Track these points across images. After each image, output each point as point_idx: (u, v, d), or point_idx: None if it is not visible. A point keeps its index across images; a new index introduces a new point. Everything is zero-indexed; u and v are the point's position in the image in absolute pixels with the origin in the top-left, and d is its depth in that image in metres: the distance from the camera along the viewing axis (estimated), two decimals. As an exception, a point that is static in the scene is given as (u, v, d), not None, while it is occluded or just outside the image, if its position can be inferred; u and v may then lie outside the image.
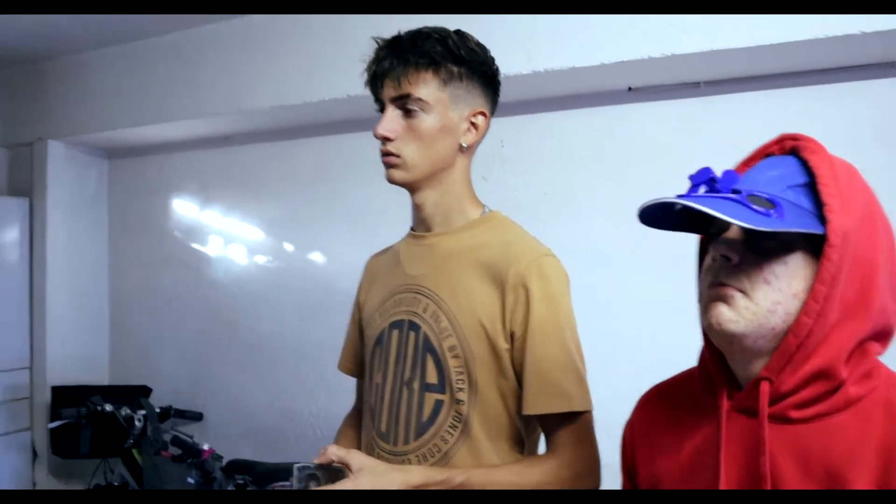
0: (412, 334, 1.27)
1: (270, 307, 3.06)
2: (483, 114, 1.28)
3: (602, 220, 2.34)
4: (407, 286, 1.31)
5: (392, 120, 1.23)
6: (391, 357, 1.30)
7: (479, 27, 2.20)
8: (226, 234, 3.23)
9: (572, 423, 1.19)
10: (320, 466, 1.13)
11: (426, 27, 1.25)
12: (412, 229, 1.39)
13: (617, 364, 2.02)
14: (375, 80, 1.25)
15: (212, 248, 3.27)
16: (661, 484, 0.93)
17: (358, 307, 1.51)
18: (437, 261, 1.29)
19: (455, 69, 1.22)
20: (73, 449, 2.90)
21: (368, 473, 1.09)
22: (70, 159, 3.46)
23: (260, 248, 3.12)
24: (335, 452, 1.12)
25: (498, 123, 2.46)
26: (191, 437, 2.74)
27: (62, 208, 3.42)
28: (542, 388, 1.18)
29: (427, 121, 1.22)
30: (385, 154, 1.25)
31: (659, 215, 0.91)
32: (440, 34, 1.23)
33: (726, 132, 2.16)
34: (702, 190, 0.86)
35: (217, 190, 3.26)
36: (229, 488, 2.61)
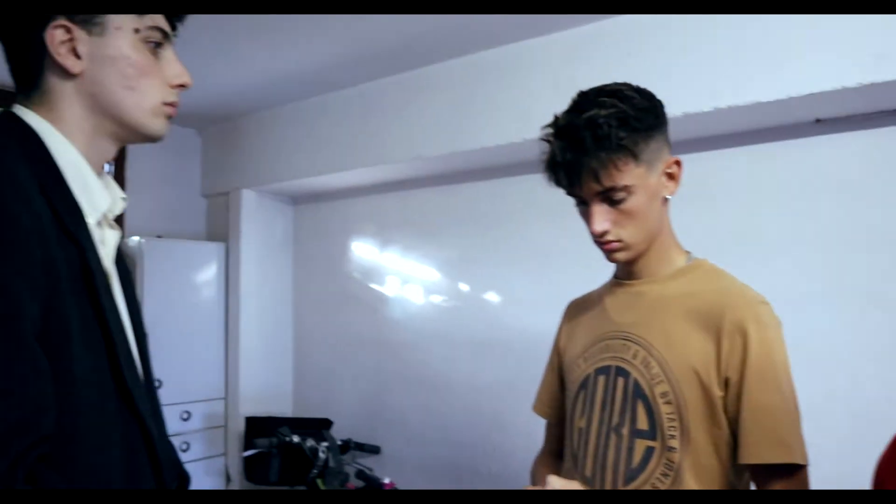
0: (620, 380, 1.27)
1: (446, 345, 3.15)
2: (676, 162, 1.27)
3: (791, 260, 2.24)
4: (615, 333, 1.32)
5: (602, 214, 1.22)
6: (597, 402, 1.30)
7: (661, 65, 2.23)
8: (403, 275, 3.37)
9: (789, 477, 1.15)
10: None
11: (591, 107, 1.20)
12: (615, 276, 1.40)
13: (811, 412, 1.91)
14: (566, 180, 1.24)
15: (389, 288, 3.42)
16: None
17: (557, 352, 1.52)
18: (647, 308, 1.29)
19: (641, 140, 1.19)
20: (264, 476, 3.10)
21: None
22: (261, 206, 3.77)
23: (436, 287, 3.23)
24: (556, 484, 1.12)
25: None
26: (371, 470, 2.85)
27: (253, 251, 3.72)
28: (762, 436, 1.14)
29: (636, 200, 1.21)
30: (606, 243, 1.26)
31: None
32: (615, 115, 1.18)
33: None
34: None
35: (394, 232, 3.42)
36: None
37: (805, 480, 1.16)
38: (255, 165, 3.64)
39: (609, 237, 1.24)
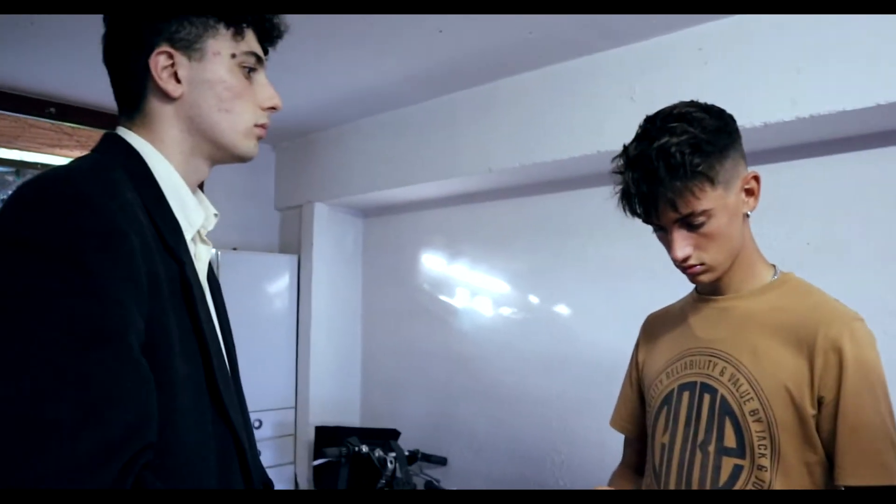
0: (707, 396, 1.24)
1: (514, 357, 3.13)
2: (754, 177, 1.24)
3: (878, 272, 2.15)
4: (700, 349, 1.29)
5: (683, 240, 1.20)
6: (681, 418, 1.28)
7: (740, 76, 2.18)
8: (472, 287, 3.37)
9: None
10: None
11: (661, 135, 1.18)
12: (697, 291, 1.38)
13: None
14: (643, 211, 1.22)
15: (458, 300, 3.43)
16: None
17: (636, 366, 1.50)
18: (734, 324, 1.26)
19: (715, 162, 1.16)
20: (332, 485, 3.13)
21: None
22: (332, 219, 3.84)
23: (505, 300, 3.22)
24: None
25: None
26: (437, 481, 2.85)
27: (324, 263, 3.79)
28: (860, 457, 1.11)
29: (716, 223, 1.19)
30: (689, 267, 1.23)
31: None
32: (683, 139, 1.15)
33: None
34: None
35: (464, 244, 3.43)
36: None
37: None
38: (326, 179, 3.71)
39: (692, 262, 1.22)
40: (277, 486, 3.64)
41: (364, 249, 3.98)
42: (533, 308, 3.11)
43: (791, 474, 1.15)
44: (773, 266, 1.31)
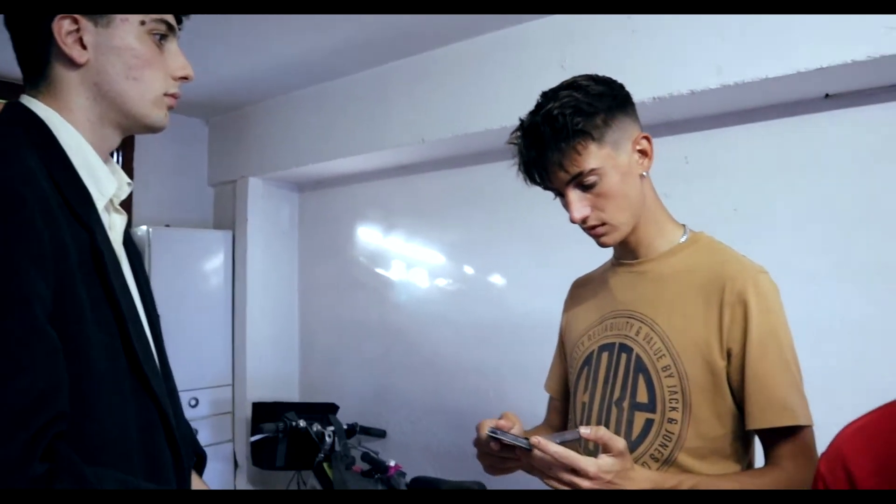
0: (623, 356, 1.29)
1: (451, 328, 3.14)
2: (645, 138, 1.28)
3: (799, 236, 2.22)
4: (618, 311, 1.34)
5: (579, 201, 1.25)
6: (599, 378, 1.32)
7: (664, 45, 2.20)
8: (408, 259, 3.36)
9: (796, 438, 1.17)
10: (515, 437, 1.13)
11: (548, 102, 1.24)
12: (615, 256, 1.42)
13: (818, 390, 1.89)
14: (537, 176, 1.27)
15: (394, 273, 3.42)
16: None
17: (561, 332, 1.55)
18: (650, 286, 1.31)
19: (600, 122, 1.21)
20: (271, 461, 3.11)
21: (623, 456, 1.09)
22: (266, 194, 3.78)
23: (441, 271, 3.23)
24: (603, 435, 1.09)
25: (681, 139, 2.45)
26: (376, 454, 2.85)
27: (259, 238, 3.73)
28: (767, 402, 1.17)
29: (608, 182, 1.23)
30: (591, 229, 1.27)
31: None
32: (568, 104, 1.21)
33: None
34: None
35: (399, 217, 3.41)
36: (414, 504, 2.68)
37: (810, 440, 1.18)
38: (260, 154, 3.64)
39: (591, 222, 1.26)
40: (216, 465, 3.61)
41: (300, 224, 3.93)
42: (468, 279, 3.12)
43: (702, 425, 1.20)
44: (683, 226, 1.35)
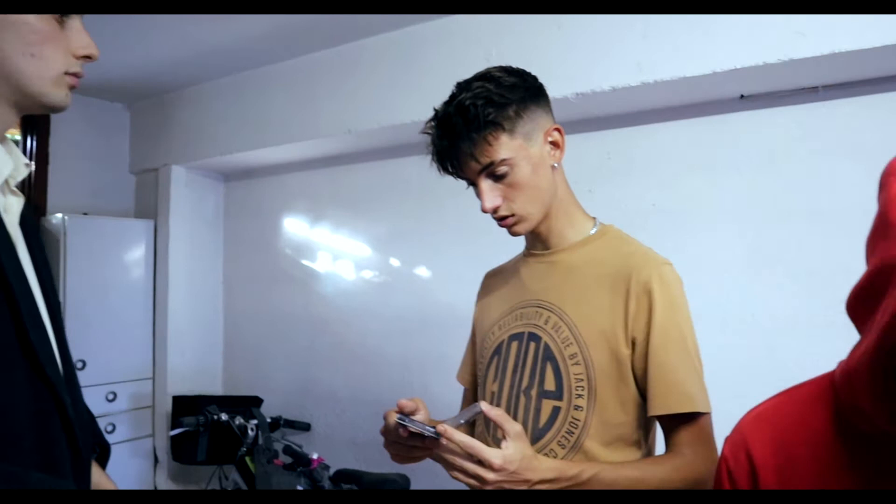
0: (532, 345, 1.31)
1: (376, 320, 3.13)
2: (556, 129, 1.30)
3: (714, 232, 2.29)
4: (528, 301, 1.36)
5: (490, 191, 1.25)
6: (509, 367, 1.34)
7: (588, 42, 2.24)
8: (334, 251, 3.33)
9: (694, 424, 1.20)
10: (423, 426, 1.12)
11: (461, 93, 1.24)
12: (527, 247, 1.44)
13: (729, 379, 1.96)
14: (450, 166, 1.28)
15: (320, 265, 3.38)
16: None
17: (473, 323, 1.56)
18: (559, 276, 1.33)
19: (512, 113, 1.23)
20: (191, 455, 3.04)
21: (522, 442, 1.10)
22: (190, 183, 3.68)
23: (367, 263, 3.21)
24: (499, 415, 1.11)
25: (604, 136, 2.50)
26: (300, 447, 2.82)
27: (183, 228, 3.63)
28: (667, 389, 1.20)
29: (519, 172, 1.24)
30: (501, 219, 1.28)
31: None
32: (481, 95, 1.22)
33: (848, 137, 2.08)
34: None
35: (326, 208, 3.38)
36: (337, 497, 2.67)
37: (708, 427, 1.22)
38: (185, 141, 3.55)
39: (502, 212, 1.27)
40: (135, 460, 3.51)
41: (225, 214, 3.84)
42: (394, 271, 3.11)
43: (606, 412, 1.23)
44: (594, 219, 1.38)
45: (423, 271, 3.01)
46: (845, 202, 2.05)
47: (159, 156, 3.67)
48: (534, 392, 1.28)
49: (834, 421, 0.88)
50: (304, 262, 3.44)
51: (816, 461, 0.88)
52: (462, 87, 1.26)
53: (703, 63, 2.08)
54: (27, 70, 0.99)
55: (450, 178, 2.44)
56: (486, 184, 1.25)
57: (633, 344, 1.22)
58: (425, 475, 2.89)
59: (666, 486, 1.15)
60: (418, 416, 1.20)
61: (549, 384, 1.26)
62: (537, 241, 1.38)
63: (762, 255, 2.21)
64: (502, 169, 1.23)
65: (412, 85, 2.67)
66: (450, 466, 1.11)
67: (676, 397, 1.19)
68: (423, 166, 2.92)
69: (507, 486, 1.08)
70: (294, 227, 3.51)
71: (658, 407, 1.20)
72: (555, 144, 1.30)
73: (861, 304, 0.77)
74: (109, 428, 3.33)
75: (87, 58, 1.06)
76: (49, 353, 1.00)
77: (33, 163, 0.91)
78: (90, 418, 1.19)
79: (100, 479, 1.22)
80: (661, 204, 2.39)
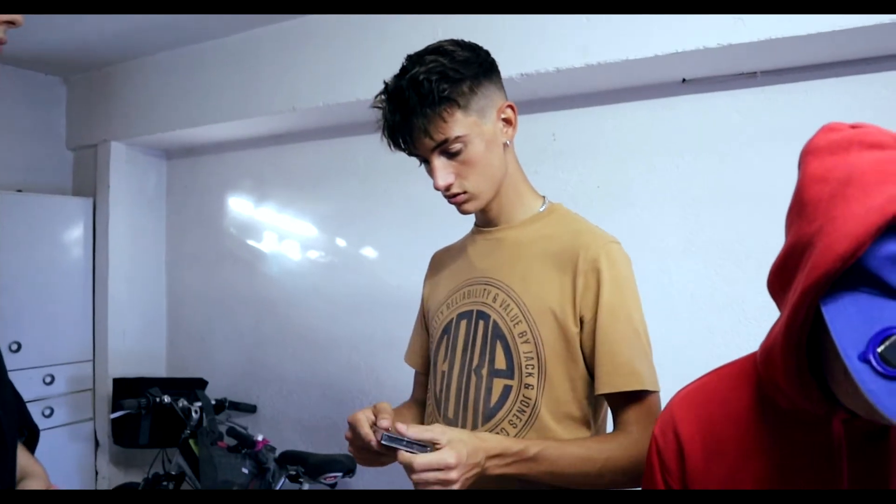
0: (481, 323, 1.30)
1: (323, 301, 3.11)
2: (509, 106, 1.28)
3: (655, 214, 2.32)
4: (476, 279, 1.34)
5: (443, 168, 1.23)
6: (458, 346, 1.32)
7: (533, 22, 2.24)
8: (280, 231, 3.29)
9: (642, 403, 1.21)
10: (410, 442, 1.08)
11: (413, 66, 1.21)
12: (476, 224, 1.42)
13: (670, 359, 2.00)
14: (402, 141, 1.25)
15: (266, 245, 3.34)
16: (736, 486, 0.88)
17: (423, 302, 1.54)
18: (507, 253, 1.32)
19: (465, 89, 1.20)
20: (134, 439, 2.99)
21: (460, 443, 1.07)
22: (131, 160, 3.58)
23: (313, 243, 3.18)
24: (418, 435, 1.08)
25: (549, 117, 2.50)
26: (245, 429, 2.80)
27: (123, 207, 3.54)
28: (615, 367, 1.19)
29: (473, 150, 1.22)
30: (452, 196, 1.26)
31: None
32: (434, 69, 1.19)
33: (785, 122, 2.13)
34: None
35: (271, 187, 3.33)
36: (282, 479, 2.66)
37: (656, 405, 1.22)
38: (125, 117, 3.44)
39: (454, 189, 1.25)
40: (76, 444, 3.44)
41: (168, 193, 3.75)
42: (340, 251, 3.09)
43: (556, 390, 1.23)
44: (543, 197, 1.38)
45: (369, 252, 2.99)
46: (783, 186, 2.07)
47: (98, 131, 3.56)
48: (484, 371, 1.27)
49: (756, 398, 0.91)
50: (250, 241, 3.39)
51: (739, 438, 0.90)
52: (414, 60, 1.23)
53: (646, 47, 2.09)
54: None
55: (395, 158, 2.43)
56: (439, 161, 1.23)
57: (582, 322, 1.22)
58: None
59: (612, 463, 1.15)
60: (384, 423, 1.15)
61: (500, 363, 1.26)
62: (486, 218, 1.37)
63: (702, 237, 2.25)
64: (456, 146, 1.21)
65: (358, 63, 2.64)
66: (417, 483, 1.07)
67: (624, 376, 1.19)
68: (369, 145, 2.93)
69: (468, 476, 1.07)
70: (239, 206, 3.45)
71: (605, 385, 1.20)
72: (507, 121, 1.28)
73: (778, 282, 0.79)
74: (47, 412, 3.25)
75: (10, 24, 1.01)
76: None
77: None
78: (16, 400, 1.15)
79: (27, 462, 1.19)
80: (604, 186, 2.42)
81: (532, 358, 1.23)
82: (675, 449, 0.95)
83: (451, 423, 1.30)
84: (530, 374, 1.23)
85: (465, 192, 1.26)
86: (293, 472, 2.67)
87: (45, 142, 3.68)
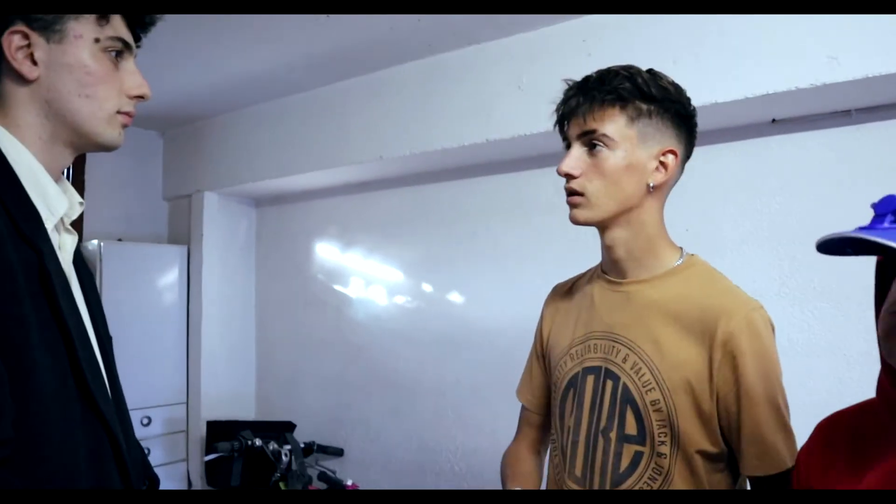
0: (609, 382, 1.24)
1: (409, 346, 3.14)
2: (673, 153, 1.23)
3: (747, 257, 2.28)
4: (602, 332, 1.28)
5: (576, 157, 1.21)
6: (585, 402, 1.27)
7: (621, 61, 2.25)
8: (366, 276, 3.36)
9: (781, 478, 1.16)
10: None
11: (621, 65, 1.24)
12: (603, 270, 1.35)
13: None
14: (563, 119, 1.25)
15: (353, 290, 3.41)
16: None
17: (541, 340, 1.48)
18: (636, 311, 1.25)
19: (644, 106, 1.19)
20: (226, 480, 3.06)
21: None
22: (223, 209, 3.73)
23: (399, 288, 3.23)
24: None
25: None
26: (333, 472, 2.84)
27: (216, 254, 3.68)
28: (762, 450, 1.15)
29: (612, 157, 1.19)
30: (569, 193, 1.23)
31: (837, 244, 0.85)
32: (630, 72, 1.21)
33: (882, 161, 2.07)
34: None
35: (358, 233, 3.41)
36: (371, 523, 2.67)
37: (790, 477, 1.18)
38: (217, 168, 3.60)
39: (574, 185, 1.22)
40: (170, 485, 3.54)
41: (257, 239, 3.89)
42: (426, 296, 3.12)
43: (692, 461, 1.18)
44: (680, 249, 1.30)
45: (455, 297, 3.02)
46: (882, 226, 2.03)
47: (192, 182, 3.73)
48: (613, 434, 1.22)
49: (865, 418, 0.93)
50: (336, 287, 3.47)
51: (852, 453, 0.93)
52: (623, 65, 1.25)
53: (735, 89, 2.08)
54: (82, 110, 1.02)
55: (481, 202, 2.41)
56: (577, 150, 1.22)
57: (718, 396, 1.16)
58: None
59: None
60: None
61: (630, 428, 1.21)
62: (615, 266, 1.30)
63: (797, 280, 2.19)
64: (598, 142, 1.19)
65: (442, 112, 2.70)
66: None
67: (771, 459, 1.15)
68: (454, 191, 2.98)
69: None
70: (325, 252, 3.54)
71: (753, 468, 1.16)
72: (663, 165, 1.23)
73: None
74: (145, 452, 3.36)
75: (140, 97, 1.09)
76: (102, 391, 1.02)
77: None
78: (140, 453, 1.21)
79: None
80: (693, 229, 2.38)
81: (665, 426, 1.17)
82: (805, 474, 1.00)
83: (578, 481, 1.27)
84: (663, 443, 1.17)
85: (582, 195, 1.21)
86: (382, 517, 2.68)
87: (142, 193, 3.87)
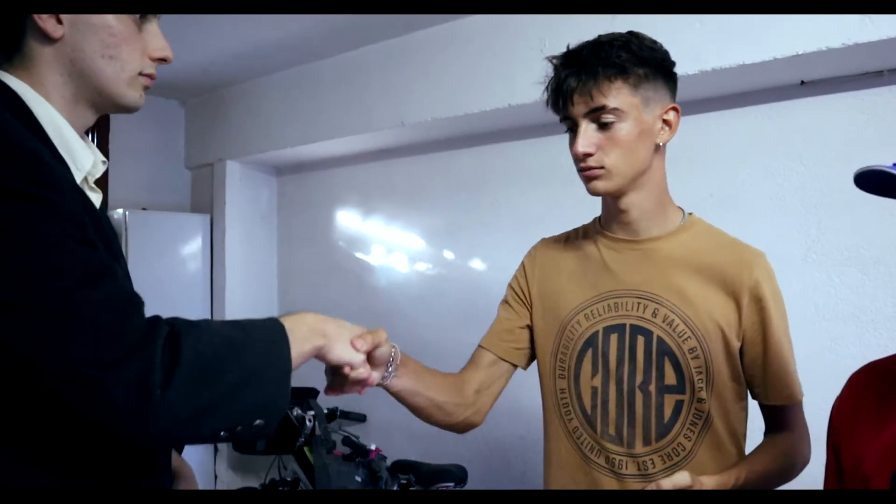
0: (640, 338, 1.28)
1: (431, 313, 3.15)
2: (675, 109, 1.28)
3: (773, 222, 2.25)
4: (622, 291, 1.31)
5: (589, 135, 1.21)
6: (611, 361, 1.30)
7: (647, 26, 2.20)
8: (387, 244, 3.36)
9: (796, 407, 1.31)
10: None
11: (602, 35, 1.24)
12: (602, 229, 1.37)
13: (802, 374, 1.93)
14: (561, 98, 1.23)
15: (374, 257, 3.42)
16: (863, 463, 0.91)
17: (523, 290, 1.48)
18: (657, 267, 1.29)
19: (641, 71, 1.20)
20: (251, 446, 3.11)
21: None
22: (245, 177, 3.75)
23: (420, 256, 3.23)
24: (674, 484, 1.11)
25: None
26: (357, 438, 2.87)
27: (238, 222, 3.71)
28: (783, 381, 1.27)
29: (625, 128, 1.20)
30: (586, 168, 1.24)
31: (877, 181, 0.86)
32: (620, 40, 1.21)
33: (914, 122, 2.02)
34: None
35: (379, 201, 3.41)
36: (394, 488, 2.71)
37: (801, 407, 1.33)
38: (238, 136, 3.61)
39: (591, 161, 1.22)
40: (195, 450, 3.58)
41: (279, 207, 3.91)
42: (447, 263, 3.12)
43: (724, 403, 1.28)
44: (681, 209, 1.35)
45: (476, 263, 3.02)
46: (913, 189, 1.99)
47: (214, 151, 3.75)
48: (652, 388, 1.27)
49: None
50: (358, 254, 3.48)
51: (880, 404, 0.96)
52: (604, 36, 1.25)
53: (763, 50, 2.03)
54: (105, 71, 1.01)
55: (502, 169, 2.37)
56: (587, 128, 1.21)
57: (744, 337, 1.26)
58: (482, 465, 2.92)
59: (801, 458, 1.31)
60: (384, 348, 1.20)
61: (670, 379, 1.26)
62: (626, 227, 1.32)
63: (824, 244, 2.16)
64: (609, 117, 1.19)
65: (464, 77, 2.67)
66: None
67: (790, 388, 1.28)
68: (476, 158, 2.96)
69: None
70: (347, 219, 3.55)
71: (777, 398, 1.28)
72: (667, 123, 1.27)
73: None
74: (171, 418, 3.43)
75: (163, 60, 1.08)
76: None
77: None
78: None
79: (179, 464, 1.28)
80: (718, 194, 2.35)
81: (702, 372, 1.25)
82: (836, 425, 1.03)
83: (613, 440, 1.29)
84: (701, 389, 1.25)
85: (601, 168, 1.22)
86: (405, 481, 2.72)
87: (165, 162, 3.91)
